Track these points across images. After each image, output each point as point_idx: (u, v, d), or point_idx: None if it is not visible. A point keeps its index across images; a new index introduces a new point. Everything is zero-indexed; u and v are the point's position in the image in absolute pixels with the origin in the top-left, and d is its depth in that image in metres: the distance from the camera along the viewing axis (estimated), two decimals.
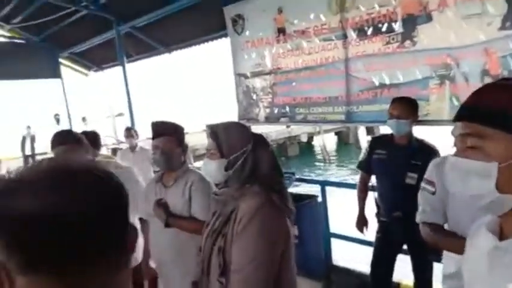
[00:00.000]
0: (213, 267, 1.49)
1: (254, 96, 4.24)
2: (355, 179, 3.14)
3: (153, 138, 2.23)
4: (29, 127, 12.03)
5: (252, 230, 1.38)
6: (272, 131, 15.69)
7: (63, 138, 2.33)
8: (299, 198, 3.61)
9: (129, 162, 4.69)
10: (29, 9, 6.66)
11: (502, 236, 0.81)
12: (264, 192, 1.47)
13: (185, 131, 2.36)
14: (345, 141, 19.81)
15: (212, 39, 6.02)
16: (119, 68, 6.73)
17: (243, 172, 1.51)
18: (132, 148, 4.79)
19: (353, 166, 10.57)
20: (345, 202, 4.07)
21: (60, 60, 8.36)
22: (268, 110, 4.13)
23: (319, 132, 17.49)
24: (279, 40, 3.86)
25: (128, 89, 6.44)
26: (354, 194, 3.07)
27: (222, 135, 1.54)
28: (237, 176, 1.51)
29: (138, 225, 2.66)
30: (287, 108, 3.94)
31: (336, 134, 20.14)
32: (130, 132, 4.76)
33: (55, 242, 0.53)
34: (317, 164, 16.86)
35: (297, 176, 4.13)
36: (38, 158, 9.23)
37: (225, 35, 4.69)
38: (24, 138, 12.36)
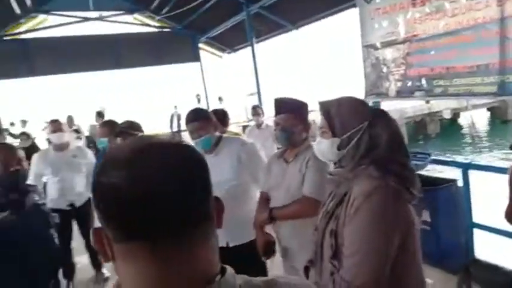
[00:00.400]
0: (326, 249, 1.44)
1: (384, 69, 3.90)
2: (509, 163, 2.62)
3: (275, 115, 2.25)
4: (175, 107, 13.69)
5: (364, 214, 1.28)
6: (407, 107, 14.43)
7: (195, 116, 2.54)
8: (435, 182, 3.23)
9: (255, 139, 4.95)
10: (172, 1, 7.45)
11: None
12: (380, 174, 1.33)
13: (310, 108, 2.32)
14: (500, 119, 16.81)
15: (339, 11, 5.77)
16: (250, 49, 7.04)
17: (357, 152, 1.39)
18: (259, 125, 5.00)
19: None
20: (492, 189, 3.48)
21: (199, 45, 9.18)
22: (399, 84, 3.76)
23: (466, 108, 15.29)
24: (415, 4, 3.43)
25: (256, 68, 6.70)
26: (504, 179, 2.58)
27: (335, 112, 1.44)
28: (350, 156, 1.40)
29: (256, 198, 2.78)
30: (423, 81, 3.51)
31: (489, 109, 17.23)
32: (256, 110, 4.97)
33: (145, 213, 0.55)
34: (463, 144, 14.83)
35: (434, 157, 3.69)
36: (183, 133, 10.46)
37: (353, 6, 4.42)
38: (172, 116, 14.14)
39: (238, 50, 10.13)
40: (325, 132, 1.46)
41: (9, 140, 6.90)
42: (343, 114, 1.42)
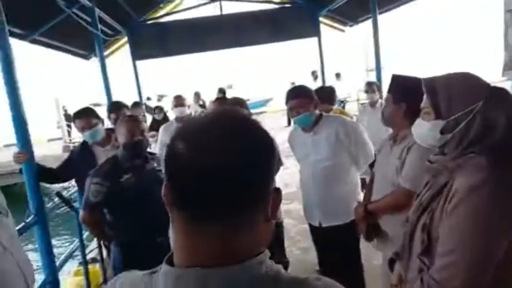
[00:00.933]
0: (416, 243, 1.31)
1: None
2: None
3: (388, 92, 2.11)
4: (293, 83, 13.80)
5: (465, 211, 1.10)
6: None
7: (295, 93, 2.56)
8: None
9: (368, 118, 4.67)
10: None
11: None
12: (491, 165, 1.12)
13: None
14: None
15: None
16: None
17: (466, 137, 1.19)
18: (372, 104, 4.66)
19: None
20: None
21: (320, 18, 8.94)
22: None
23: None
24: None
25: (377, 42, 6.23)
26: None
27: (441, 90, 1.24)
28: (456, 142, 1.21)
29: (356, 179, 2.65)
30: None
31: None
32: (371, 87, 4.63)
33: (190, 184, 0.57)
34: None
35: None
36: None
37: None
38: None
39: (361, 22, 9.54)
40: (428, 113, 1.29)
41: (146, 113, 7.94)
42: (452, 93, 1.22)
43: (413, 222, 1.33)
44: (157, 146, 4.29)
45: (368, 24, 6.90)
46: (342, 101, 11.08)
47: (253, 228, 0.61)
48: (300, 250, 3.89)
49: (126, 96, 7.62)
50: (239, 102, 2.99)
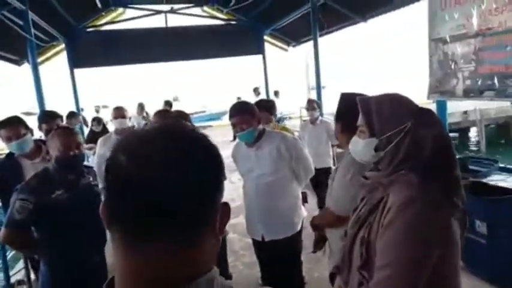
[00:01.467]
0: (355, 257, 1.36)
1: (452, 65, 3.55)
2: None
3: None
4: (239, 98, 13.93)
5: (399, 225, 1.16)
6: (491, 108, 13.08)
7: (239, 109, 2.59)
8: (498, 191, 2.89)
9: (308, 135, 4.85)
10: None
11: None
12: (420, 181, 1.20)
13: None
14: None
15: (410, 3, 5.38)
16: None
17: (397, 155, 1.26)
18: (313, 120, 4.86)
19: None
20: None
21: (265, 37, 9.19)
22: (468, 82, 3.39)
23: None
24: None
25: (317, 62, 6.53)
26: None
27: (375, 110, 1.31)
28: (388, 159, 1.28)
29: (297, 194, 2.72)
30: (495, 80, 3.13)
31: None
32: (312, 105, 4.82)
33: (131, 198, 0.53)
34: None
35: (502, 165, 3.29)
36: None
37: None
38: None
39: (303, 42, 9.96)
40: (363, 132, 1.36)
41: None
42: (384, 113, 1.29)
43: (352, 236, 1.38)
44: (94, 159, 4.06)
45: (311, 43, 7.21)
46: (279, 119, 11.47)
47: (200, 245, 0.56)
48: (244, 265, 3.87)
49: (62, 105, 7.18)
50: (182, 115, 2.95)
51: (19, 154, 2.77)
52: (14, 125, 2.79)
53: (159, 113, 3.23)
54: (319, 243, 2.18)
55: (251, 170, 2.70)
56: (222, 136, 13.91)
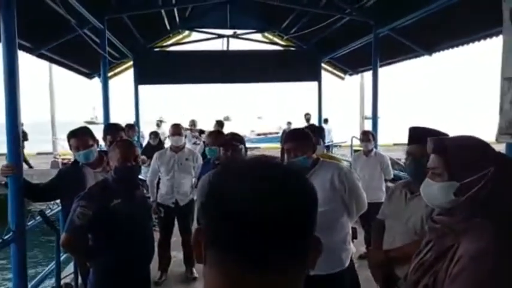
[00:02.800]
0: None
1: None
2: None
3: (408, 144, 2.13)
4: (289, 122, 13.97)
5: (468, 280, 1.08)
6: None
7: (293, 136, 2.60)
8: None
9: (360, 167, 4.69)
10: (301, 21, 7.68)
11: None
12: (496, 233, 1.11)
13: None
14: None
15: (481, 38, 5.13)
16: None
17: (475, 201, 1.19)
18: (366, 152, 4.69)
19: None
20: None
21: (322, 64, 9.21)
22: None
23: None
24: None
25: (375, 93, 6.39)
26: None
27: (455, 152, 1.26)
28: (466, 205, 1.21)
29: (348, 228, 2.61)
30: None
31: None
32: (367, 136, 4.66)
33: (246, 229, 0.54)
34: None
35: None
36: None
37: (498, 33, 3.87)
38: (284, 132, 14.49)
39: (361, 72, 9.84)
40: (438, 174, 1.28)
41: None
42: (467, 155, 1.23)
43: (414, 282, 1.30)
44: (149, 172, 4.23)
45: (366, 73, 7.10)
46: (328, 146, 11.47)
47: (297, 277, 0.59)
48: None
49: (122, 118, 7.64)
50: (236, 137, 2.99)
51: (83, 163, 2.95)
52: (84, 136, 2.99)
53: (212, 134, 3.30)
54: (392, 279, 2.03)
55: None
56: None
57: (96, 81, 7.74)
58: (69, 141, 3.02)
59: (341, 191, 2.55)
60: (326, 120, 13.32)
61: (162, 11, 6.78)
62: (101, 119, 5.65)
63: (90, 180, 2.79)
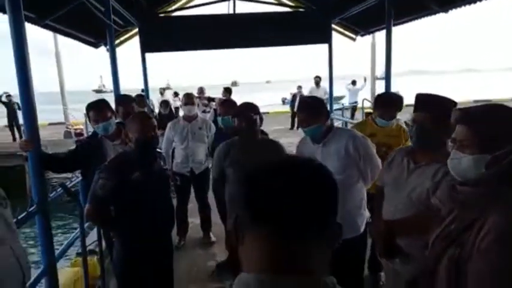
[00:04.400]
0: (440, 273, 1.27)
1: None
2: None
3: (414, 111, 2.08)
4: (299, 86, 13.82)
5: (501, 254, 1.07)
6: None
7: (306, 105, 2.61)
8: None
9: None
10: None
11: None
12: None
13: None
14: None
15: None
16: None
17: (504, 174, 1.17)
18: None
19: None
20: None
21: (332, 25, 8.91)
22: None
23: None
24: None
25: (389, 53, 6.21)
26: None
27: (484, 122, 1.21)
28: (494, 177, 1.19)
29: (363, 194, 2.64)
30: None
31: None
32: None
33: (283, 212, 0.70)
34: None
35: None
36: None
37: None
38: (294, 96, 14.35)
39: (372, 32, 9.53)
40: (467, 146, 1.24)
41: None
42: (497, 125, 1.19)
43: (438, 251, 1.30)
44: (163, 142, 4.28)
45: (378, 33, 6.86)
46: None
47: (322, 251, 0.73)
48: None
49: (130, 86, 7.60)
50: (249, 106, 2.98)
51: (102, 135, 2.99)
52: (102, 108, 3.01)
53: (225, 103, 3.28)
54: (395, 249, 2.06)
55: None
56: (278, 124, 13.92)
57: (102, 50, 7.66)
58: (88, 113, 3.05)
59: (356, 158, 2.56)
60: (354, 82, 13.23)
61: None
62: (108, 87, 5.65)
63: (109, 152, 2.84)
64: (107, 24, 5.48)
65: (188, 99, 4.18)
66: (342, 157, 2.55)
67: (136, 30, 8.14)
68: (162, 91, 13.03)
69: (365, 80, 13.54)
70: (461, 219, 1.24)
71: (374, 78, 16.13)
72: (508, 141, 1.16)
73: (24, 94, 2.72)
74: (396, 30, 6.61)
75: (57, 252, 3.01)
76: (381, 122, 3.36)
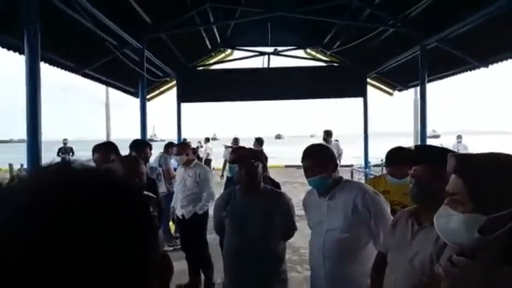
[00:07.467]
0: None
1: None
2: None
3: (413, 165, 1.82)
4: (312, 136, 13.49)
5: None
6: None
7: (311, 152, 2.38)
8: None
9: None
10: (344, 36, 7.42)
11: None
12: None
13: None
14: None
15: None
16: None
17: (506, 244, 0.92)
18: None
19: None
20: None
21: (368, 80, 8.80)
22: None
23: None
24: None
25: (423, 111, 5.93)
26: None
27: (482, 176, 0.97)
28: (495, 247, 0.94)
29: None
30: None
31: None
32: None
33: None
34: None
35: None
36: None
37: None
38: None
39: (411, 87, 9.27)
40: (460, 202, 1.00)
41: None
42: (498, 182, 0.95)
43: None
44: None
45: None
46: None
47: None
48: None
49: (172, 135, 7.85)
50: (253, 153, 2.81)
51: None
52: (106, 151, 3.00)
53: (233, 151, 3.16)
54: None
55: (321, 222, 2.37)
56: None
57: (155, 101, 8.12)
58: (93, 155, 3.04)
59: (365, 216, 2.25)
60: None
61: (202, 30, 6.89)
62: (159, 136, 5.85)
63: None
64: (140, 75, 5.74)
65: (180, 149, 4.48)
66: (348, 212, 2.25)
67: (174, 82, 8.52)
68: (199, 144, 13.29)
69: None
70: None
71: (417, 135, 15.46)
72: (508, 203, 0.90)
73: (31, 135, 2.77)
74: (449, 83, 6.32)
75: None
76: (392, 180, 3.02)
